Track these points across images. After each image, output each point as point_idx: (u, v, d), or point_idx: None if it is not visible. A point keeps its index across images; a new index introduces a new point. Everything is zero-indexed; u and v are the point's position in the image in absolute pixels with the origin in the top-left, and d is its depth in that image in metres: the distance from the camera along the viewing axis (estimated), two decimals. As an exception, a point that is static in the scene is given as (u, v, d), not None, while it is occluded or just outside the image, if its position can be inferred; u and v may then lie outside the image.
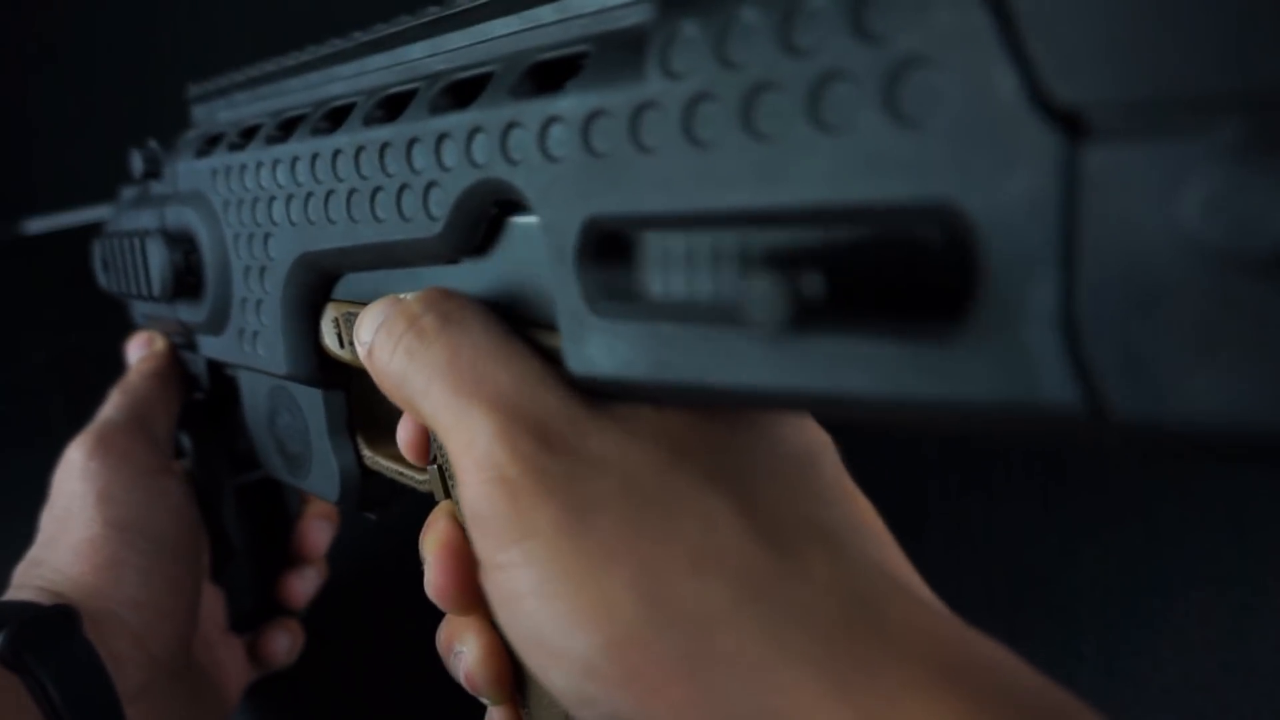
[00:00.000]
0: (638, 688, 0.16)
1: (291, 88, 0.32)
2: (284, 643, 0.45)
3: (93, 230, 0.87)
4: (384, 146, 0.25)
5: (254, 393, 0.37)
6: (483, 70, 0.23)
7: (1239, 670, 0.40)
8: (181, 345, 0.44)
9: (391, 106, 0.26)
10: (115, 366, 0.73)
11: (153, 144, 0.39)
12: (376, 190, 0.25)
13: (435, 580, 0.24)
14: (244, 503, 0.45)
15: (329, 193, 0.27)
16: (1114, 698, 0.42)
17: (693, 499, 0.17)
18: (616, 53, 0.19)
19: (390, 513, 0.36)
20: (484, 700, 0.26)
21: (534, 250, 0.22)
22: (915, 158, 0.13)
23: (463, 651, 0.24)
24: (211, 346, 0.38)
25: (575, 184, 0.19)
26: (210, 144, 0.36)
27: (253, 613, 0.45)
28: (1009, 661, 0.16)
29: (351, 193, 0.26)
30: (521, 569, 0.18)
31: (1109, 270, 0.12)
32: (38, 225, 0.89)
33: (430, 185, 0.23)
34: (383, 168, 0.25)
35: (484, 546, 0.19)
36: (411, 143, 0.24)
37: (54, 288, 0.83)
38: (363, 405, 0.33)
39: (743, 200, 0.16)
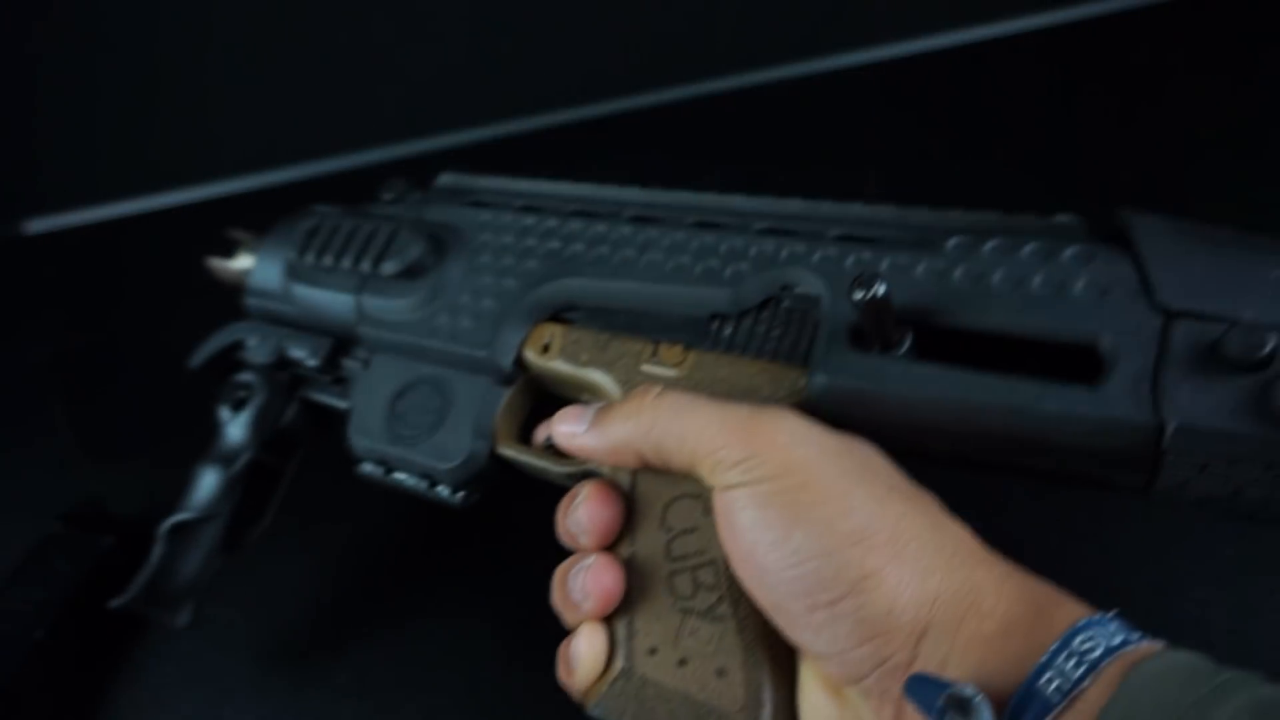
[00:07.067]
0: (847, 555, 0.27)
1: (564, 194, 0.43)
2: None
3: (94, 230, 0.87)
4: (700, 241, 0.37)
5: (385, 372, 0.43)
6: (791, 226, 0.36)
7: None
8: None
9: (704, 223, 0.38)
10: (115, 366, 0.73)
11: (401, 181, 0.49)
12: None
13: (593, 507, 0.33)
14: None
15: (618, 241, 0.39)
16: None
17: (837, 481, 0.28)
18: (908, 235, 0.33)
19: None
20: (585, 613, 0.32)
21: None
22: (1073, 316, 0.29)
23: (585, 566, 0.32)
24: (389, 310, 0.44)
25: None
26: (469, 200, 0.46)
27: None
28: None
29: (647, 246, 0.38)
30: (755, 507, 0.29)
31: (1175, 361, 0.27)
32: (38, 225, 0.89)
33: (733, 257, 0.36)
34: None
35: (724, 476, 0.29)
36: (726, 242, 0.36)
37: (54, 288, 0.83)
38: (510, 407, 0.41)
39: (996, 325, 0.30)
